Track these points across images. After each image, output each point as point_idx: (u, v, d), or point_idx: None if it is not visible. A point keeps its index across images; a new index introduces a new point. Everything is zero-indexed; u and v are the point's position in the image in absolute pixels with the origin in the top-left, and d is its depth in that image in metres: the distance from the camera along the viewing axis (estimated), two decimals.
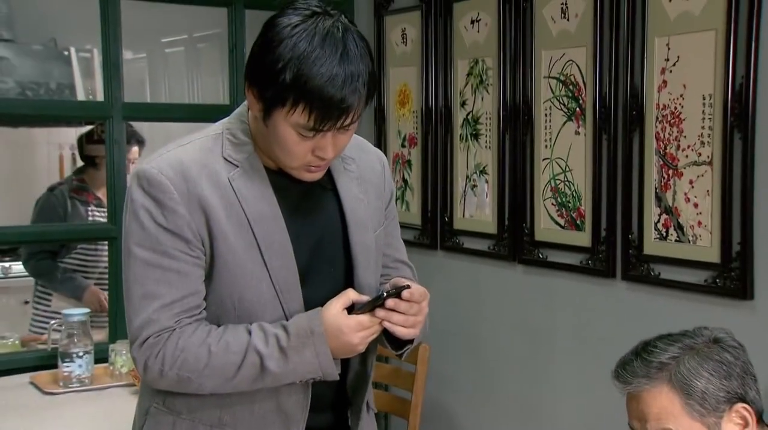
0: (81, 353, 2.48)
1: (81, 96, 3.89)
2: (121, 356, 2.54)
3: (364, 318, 1.38)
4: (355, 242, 1.49)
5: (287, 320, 1.40)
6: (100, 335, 2.89)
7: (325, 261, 1.48)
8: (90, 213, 3.16)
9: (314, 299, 1.43)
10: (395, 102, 3.11)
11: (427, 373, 2.62)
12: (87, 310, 2.56)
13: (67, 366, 2.46)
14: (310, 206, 1.48)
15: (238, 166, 1.40)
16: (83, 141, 3.25)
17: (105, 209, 3.16)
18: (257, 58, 1.34)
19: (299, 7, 1.35)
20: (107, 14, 2.70)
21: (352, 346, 1.38)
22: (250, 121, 1.43)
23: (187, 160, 1.37)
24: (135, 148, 3.22)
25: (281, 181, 1.44)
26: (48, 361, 2.57)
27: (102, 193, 3.17)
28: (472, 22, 2.74)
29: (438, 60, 2.89)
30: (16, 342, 2.86)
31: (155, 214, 1.35)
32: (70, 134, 4.14)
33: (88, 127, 3.36)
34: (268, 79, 1.31)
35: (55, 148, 4.30)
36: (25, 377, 2.50)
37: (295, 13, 1.33)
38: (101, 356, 2.58)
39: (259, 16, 2.97)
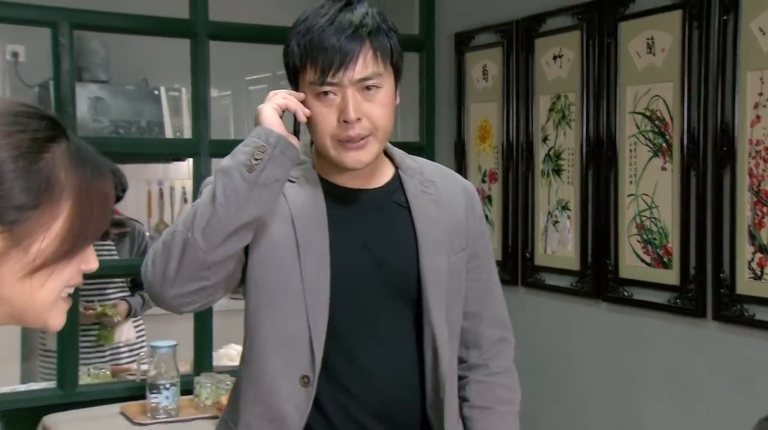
0: (168, 385, 2.53)
1: (169, 133, 4.02)
2: (206, 388, 2.59)
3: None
4: (425, 264, 1.47)
5: (308, 316, 1.41)
6: (185, 367, 2.95)
7: (391, 285, 1.47)
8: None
9: (356, 314, 1.44)
10: (475, 137, 3.11)
11: None
12: (174, 342, 2.62)
13: (155, 397, 2.52)
14: (382, 224, 1.49)
15: (294, 182, 1.46)
16: None
17: (108, 243, 3.23)
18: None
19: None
20: (197, 55, 2.80)
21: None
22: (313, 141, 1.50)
23: None
24: None
25: (353, 194, 1.48)
26: (137, 392, 2.64)
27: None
28: (555, 57, 2.73)
29: (519, 95, 2.88)
30: (107, 372, 2.95)
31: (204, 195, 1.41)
32: (158, 170, 4.28)
33: (178, 163, 3.40)
34: (286, 59, 1.43)
35: (144, 184, 4.46)
36: (116, 407, 2.57)
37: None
38: (186, 388, 2.63)
39: None
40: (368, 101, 1.39)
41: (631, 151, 2.47)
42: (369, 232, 1.48)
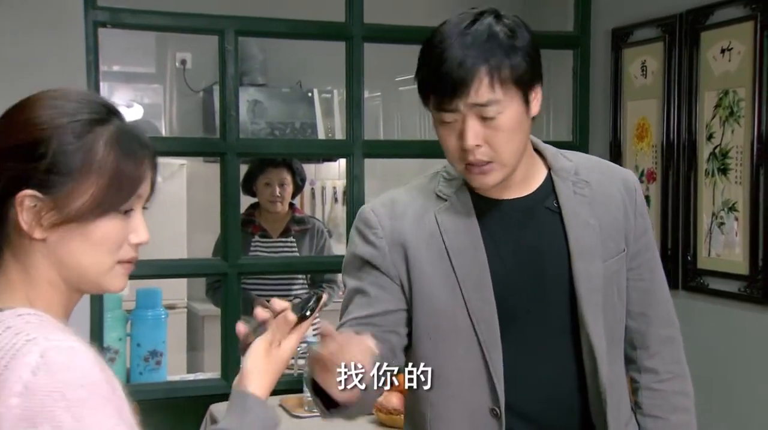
0: None
1: (321, 134, 4.13)
2: None
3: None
4: (578, 272, 1.42)
5: (483, 351, 1.40)
6: None
7: (546, 296, 1.43)
8: (253, 243, 3.29)
9: (517, 332, 1.41)
10: (632, 136, 3.01)
11: None
12: None
13: None
14: (534, 234, 1.45)
15: (446, 200, 1.45)
16: (250, 177, 3.36)
17: (270, 239, 3.30)
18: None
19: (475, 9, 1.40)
20: (352, 57, 2.86)
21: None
22: None
23: (398, 199, 1.49)
24: (288, 177, 3.32)
25: (503, 207, 1.45)
26: (294, 385, 2.72)
27: (267, 226, 3.32)
28: (723, 51, 2.60)
29: (682, 92, 2.76)
30: None
31: (359, 246, 1.47)
32: (310, 170, 4.40)
33: (328, 163, 3.42)
34: (417, 76, 1.39)
35: None
36: (275, 400, 2.66)
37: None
38: None
39: None
40: (489, 128, 1.34)
41: None
42: (522, 245, 1.44)
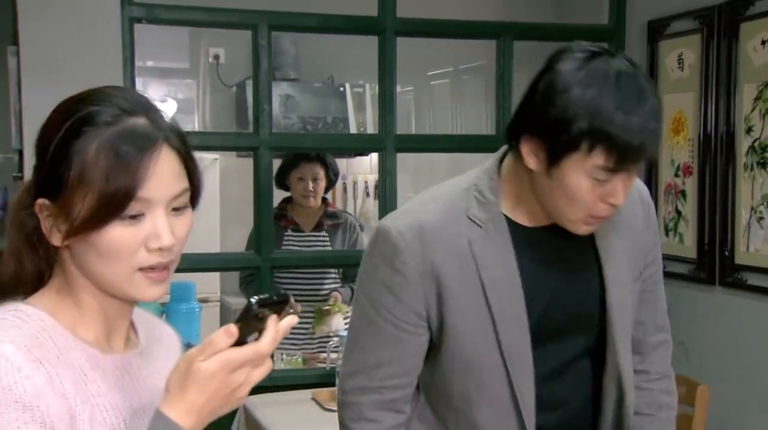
0: None
1: (353, 128, 4.13)
2: None
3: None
4: (613, 298, 1.40)
5: (513, 389, 1.36)
6: None
7: (575, 324, 1.41)
8: (286, 237, 3.30)
9: (546, 360, 1.38)
10: (668, 130, 2.96)
11: (707, 418, 2.44)
12: None
13: None
14: (567, 264, 1.42)
15: (481, 227, 1.36)
16: (283, 172, 3.36)
17: (303, 233, 3.31)
18: (539, 108, 1.27)
19: (576, 50, 1.28)
20: (384, 52, 2.85)
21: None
22: (503, 176, 1.39)
23: (428, 224, 1.36)
24: (321, 172, 3.32)
25: (537, 236, 1.39)
26: (327, 379, 2.74)
27: (300, 220, 3.33)
28: (763, 42, 2.55)
29: (720, 84, 2.71)
30: (299, 360, 3.08)
31: (386, 274, 1.36)
32: (342, 165, 4.41)
33: (360, 157, 3.38)
34: (558, 127, 1.25)
35: None
36: (308, 393, 2.68)
37: (574, 57, 1.27)
38: None
39: (525, 47, 2.98)
40: (630, 178, 1.31)
41: None
42: (556, 277, 1.41)
